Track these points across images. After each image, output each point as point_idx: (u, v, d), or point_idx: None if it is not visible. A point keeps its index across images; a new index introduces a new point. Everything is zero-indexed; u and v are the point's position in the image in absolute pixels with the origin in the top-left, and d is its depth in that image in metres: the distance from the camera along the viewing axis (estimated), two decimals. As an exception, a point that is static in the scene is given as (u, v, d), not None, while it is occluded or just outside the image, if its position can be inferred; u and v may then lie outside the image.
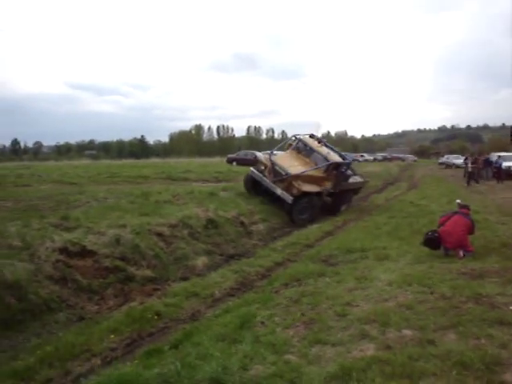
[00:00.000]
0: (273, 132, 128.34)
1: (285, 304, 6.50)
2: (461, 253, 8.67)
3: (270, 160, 17.00)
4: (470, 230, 8.98)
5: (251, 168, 18.07)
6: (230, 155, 46.89)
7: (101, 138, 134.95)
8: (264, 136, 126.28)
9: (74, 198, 15.17)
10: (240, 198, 16.47)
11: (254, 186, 17.60)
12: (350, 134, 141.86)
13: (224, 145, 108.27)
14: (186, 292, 8.15)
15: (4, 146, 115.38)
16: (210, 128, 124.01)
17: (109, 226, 10.17)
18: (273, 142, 79.48)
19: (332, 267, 8.82)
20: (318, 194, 16.68)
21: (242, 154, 44.98)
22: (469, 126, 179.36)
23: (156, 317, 7.02)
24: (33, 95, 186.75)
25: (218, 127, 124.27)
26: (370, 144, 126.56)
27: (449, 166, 51.13)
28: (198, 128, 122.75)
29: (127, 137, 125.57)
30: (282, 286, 7.83)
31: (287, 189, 16.02)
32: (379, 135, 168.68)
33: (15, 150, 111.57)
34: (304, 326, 5.39)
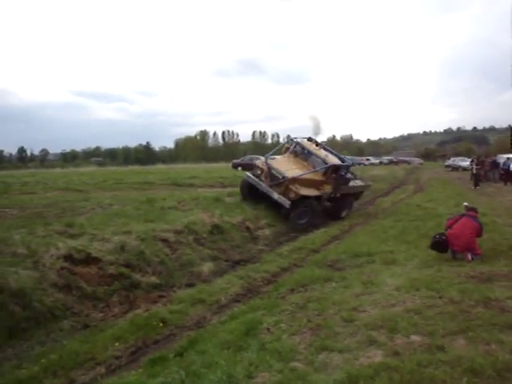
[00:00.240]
0: (278, 137, 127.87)
1: (291, 310, 6.42)
2: (469, 256, 8.57)
3: (266, 164, 16.52)
4: (478, 232, 8.88)
5: (246, 173, 17.57)
6: (235, 160, 46.88)
7: (107, 144, 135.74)
8: (269, 141, 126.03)
9: (79, 205, 15.19)
10: (245, 204, 16.33)
11: (250, 192, 16.95)
12: (355, 137, 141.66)
13: (229, 150, 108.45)
14: (191, 298, 8.09)
15: (11, 154, 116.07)
16: (215, 133, 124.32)
17: (114, 233, 10.13)
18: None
19: (338, 272, 8.73)
20: (317, 198, 16.24)
21: (247, 159, 44.73)
22: (475, 127, 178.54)
23: (161, 324, 6.95)
24: (39, 103, 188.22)
25: (223, 132, 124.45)
26: (375, 147, 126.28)
27: (455, 168, 50.90)
28: (203, 134, 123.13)
29: (133, 143, 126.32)
30: (288, 291, 7.75)
31: (284, 193, 15.51)
32: (385, 138, 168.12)
33: (22, 158, 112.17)
34: (310, 333, 5.31)
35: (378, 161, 72.94)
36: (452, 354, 4.15)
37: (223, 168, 46.15)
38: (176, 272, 9.80)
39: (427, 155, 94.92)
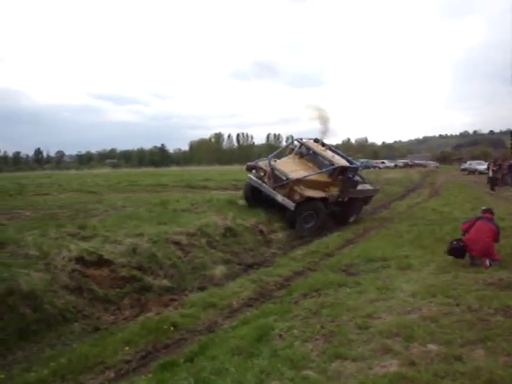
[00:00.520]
0: (292, 139, 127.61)
1: (304, 315, 6.30)
2: (487, 262, 8.37)
3: (270, 165, 15.67)
4: (496, 235, 8.65)
5: (249, 175, 16.70)
6: (249, 163, 46.69)
7: (122, 146, 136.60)
8: (284, 143, 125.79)
9: (92, 207, 15.23)
10: (259, 207, 16.18)
11: (253, 195, 16.22)
12: (370, 140, 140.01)
13: (244, 152, 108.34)
14: (203, 302, 8.00)
15: (27, 156, 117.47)
16: (229, 136, 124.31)
17: (126, 235, 10.09)
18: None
19: (353, 277, 8.59)
20: (324, 200, 15.54)
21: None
22: (491, 131, 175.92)
23: (172, 328, 6.87)
24: (56, 106, 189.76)
25: (238, 135, 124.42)
26: (390, 150, 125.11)
27: (471, 172, 50.30)
28: (218, 136, 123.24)
29: (148, 145, 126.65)
30: (301, 296, 7.63)
31: (289, 195, 14.79)
32: (400, 141, 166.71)
33: (38, 160, 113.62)
34: (323, 340, 5.20)
35: (393, 164, 72.35)
36: (470, 365, 4.01)
37: (237, 170, 46.04)
38: (188, 275, 9.73)
39: (443, 158, 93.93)
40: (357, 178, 17.80)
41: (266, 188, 15.36)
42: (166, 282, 9.10)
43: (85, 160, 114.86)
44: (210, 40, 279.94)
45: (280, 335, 5.57)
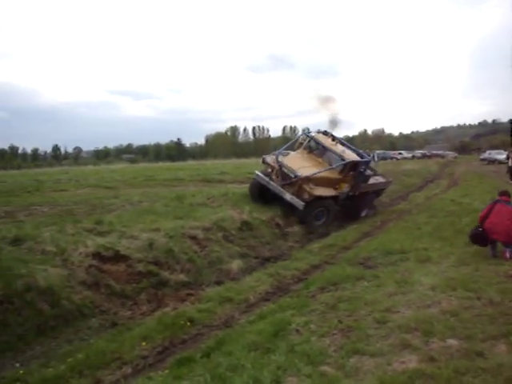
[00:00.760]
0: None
1: (321, 310, 6.24)
2: (507, 253, 8.22)
3: (277, 161, 14.94)
4: None
5: (256, 171, 15.96)
6: (265, 156, 46.63)
7: (138, 141, 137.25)
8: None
9: (108, 202, 15.29)
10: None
11: (260, 192, 15.28)
12: (387, 131, 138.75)
13: (260, 145, 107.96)
14: (219, 297, 7.99)
15: (45, 152, 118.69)
16: (245, 129, 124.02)
17: (142, 230, 10.10)
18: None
19: (370, 270, 8.49)
20: (334, 198, 14.93)
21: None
22: (511, 119, 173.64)
23: (189, 323, 6.86)
24: (73, 102, 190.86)
25: (254, 128, 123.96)
26: (408, 141, 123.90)
27: (491, 161, 49.48)
28: (234, 129, 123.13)
29: (164, 140, 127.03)
30: (319, 290, 7.57)
31: (297, 193, 14.12)
32: (417, 132, 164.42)
33: (56, 156, 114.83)
34: (341, 335, 5.14)
35: (410, 155, 71.53)
36: (492, 361, 3.93)
37: (253, 164, 46.01)
38: (204, 269, 9.73)
39: (462, 148, 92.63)
40: (368, 171, 16.87)
41: (274, 186, 14.68)
42: (182, 277, 9.10)
43: (102, 155, 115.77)
44: (225, 34, 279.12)
45: (297, 330, 5.52)
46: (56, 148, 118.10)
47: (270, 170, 15.42)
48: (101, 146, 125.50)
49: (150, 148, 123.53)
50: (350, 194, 15.72)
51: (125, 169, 44.54)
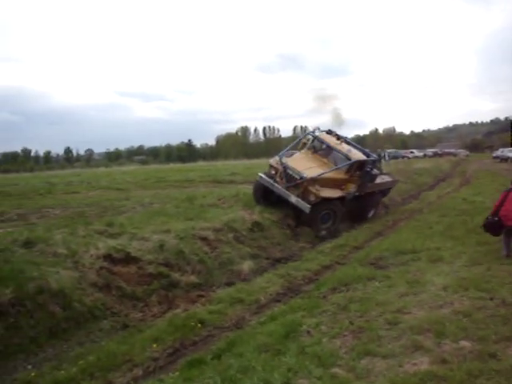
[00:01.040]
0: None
1: (332, 311, 6.22)
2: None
3: (281, 162, 14.38)
4: None
5: (259, 173, 15.27)
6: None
7: (149, 143, 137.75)
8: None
9: (120, 204, 15.41)
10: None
11: (264, 195, 14.74)
12: (398, 130, 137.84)
13: (270, 146, 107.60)
14: (230, 298, 7.98)
15: (57, 155, 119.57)
16: (256, 129, 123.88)
17: (153, 232, 10.12)
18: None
19: (382, 270, 8.43)
20: (341, 199, 14.46)
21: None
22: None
23: (199, 325, 6.85)
24: (83, 105, 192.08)
25: (264, 128, 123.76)
26: (419, 140, 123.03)
27: (504, 159, 48.97)
28: (244, 130, 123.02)
29: (175, 141, 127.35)
30: (330, 290, 7.54)
31: (303, 196, 13.66)
32: (429, 130, 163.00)
33: (68, 158, 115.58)
34: (352, 336, 5.11)
35: (422, 153, 71.00)
36: (506, 363, 3.88)
37: (264, 164, 46.00)
38: (215, 271, 9.72)
39: (474, 146, 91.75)
40: (374, 170, 16.42)
41: (279, 188, 14.15)
42: (193, 278, 9.10)
43: (113, 157, 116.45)
44: (234, 35, 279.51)
45: (308, 331, 5.50)
46: (68, 150, 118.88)
47: (273, 172, 14.90)
48: (112, 148, 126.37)
49: (160, 149, 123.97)
50: (357, 194, 15.34)
51: (136, 170, 44.83)
